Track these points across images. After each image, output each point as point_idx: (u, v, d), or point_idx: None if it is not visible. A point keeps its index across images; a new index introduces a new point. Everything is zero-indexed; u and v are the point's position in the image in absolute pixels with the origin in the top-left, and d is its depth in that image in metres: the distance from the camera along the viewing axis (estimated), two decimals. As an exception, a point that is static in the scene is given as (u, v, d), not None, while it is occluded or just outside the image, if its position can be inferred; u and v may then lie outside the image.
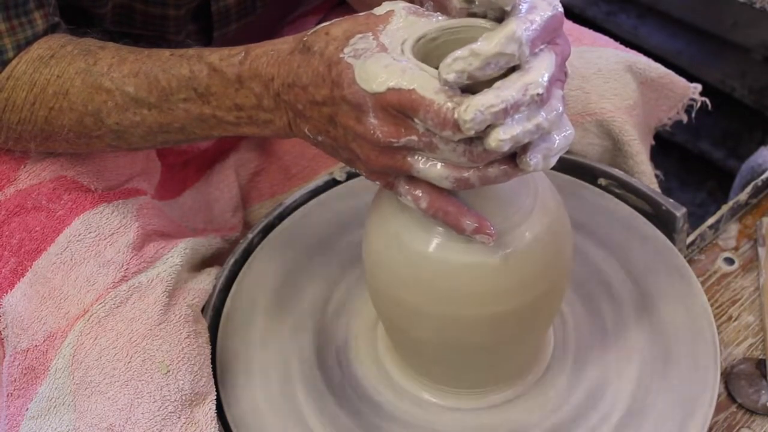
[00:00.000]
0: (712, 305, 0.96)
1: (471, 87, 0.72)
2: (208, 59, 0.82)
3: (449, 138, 0.71)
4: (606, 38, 1.17)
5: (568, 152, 1.06)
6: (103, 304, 0.89)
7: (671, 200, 1.02)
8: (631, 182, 1.04)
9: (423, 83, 0.71)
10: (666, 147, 1.90)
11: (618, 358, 0.92)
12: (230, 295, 0.97)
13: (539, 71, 0.70)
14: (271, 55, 0.79)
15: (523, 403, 0.90)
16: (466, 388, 0.90)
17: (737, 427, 0.91)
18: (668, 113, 1.16)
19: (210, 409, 0.87)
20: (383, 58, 0.73)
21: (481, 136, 0.71)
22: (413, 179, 0.76)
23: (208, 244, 1.00)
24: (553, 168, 1.04)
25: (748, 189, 1.09)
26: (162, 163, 1.07)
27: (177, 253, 0.93)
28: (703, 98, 1.15)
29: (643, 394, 0.89)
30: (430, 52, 0.76)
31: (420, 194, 0.76)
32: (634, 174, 1.08)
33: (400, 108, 0.72)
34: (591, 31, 1.18)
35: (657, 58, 1.17)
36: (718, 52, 1.91)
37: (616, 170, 1.05)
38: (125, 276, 0.91)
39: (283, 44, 0.79)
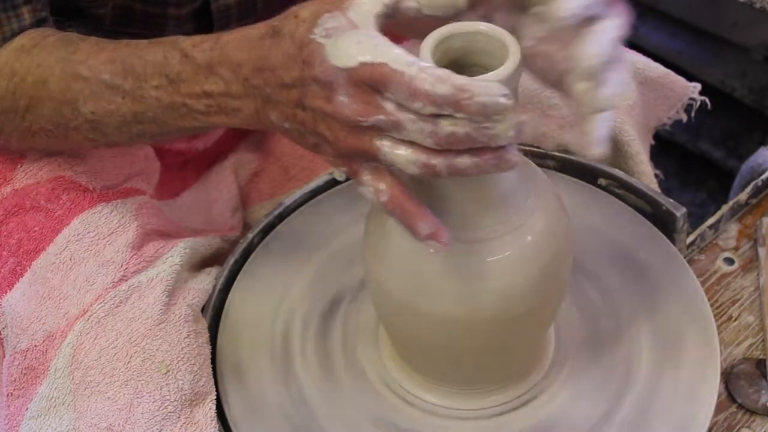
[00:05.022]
0: (712, 305, 0.96)
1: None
2: (180, 45, 0.82)
3: (419, 111, 0.71)
4: (605, 38, 1.16)
5: (568, 152, 1.07)
6: (102, 304, 0.89)
7: (671, 200, 1.02)
8: (631, 182, 1.04)
9: (395, 57, 0.71)
10: (666, 147, 1.90)
11: (618, 358, 0.92)
12: (230, 295, 0.97)
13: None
14: (241, 41, 0.79)
15: (524, 403, 0.90)
16: (467, 389, 0.90)
17: (737, 427, 0.91)
18: (668, 113, 1.16)
19: (210, 409, 0.87)
20: (355, 35, 0.73)
21: (445, 114, 0.71)
22: (378, 171, 0.75)
23: (208, 244, 1.00)
24: (553, 168, 1.06)
25: (748, 189, 1.09)
26: (161, 164, 1.07)
27: (177, 252, 0.93)
28: (703, 98, 1.15)
29: (644, 394, 0.89)
30: (448, 50, 0.77)
31: (383, 187, 0.75)
32: (633, 174, 1.08)
33: (371, 82, 0.72)
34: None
35: (657, 58, 1.17)
36: (718, 52, 1.91)
37: (616, 170, 1.05)
38: (125, 276, 0.91)
39: (253, 30, 0.79)
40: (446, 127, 0.71)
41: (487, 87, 0.70)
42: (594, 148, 0.77)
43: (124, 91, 0.85)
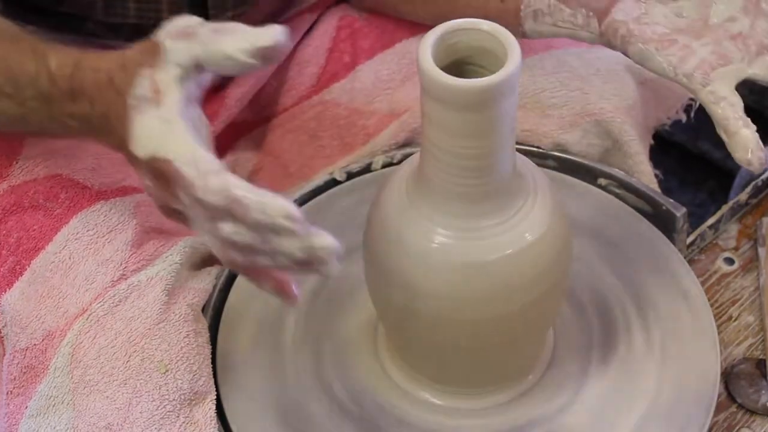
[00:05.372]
0: (712, 305, 0.96)
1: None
2: (48, 63, 0.80)
3: (204, 214, 0.71)
4: (605, 39, 1.16)
5: (568, 152, 1.07)
6: (102, 303, 0.89)
7: (671, 200, 1.02)
8: (631, 182, 1.04)
9: (179, 154, 0.71)
10: (666, 147, 1.89)
11: (618, 358, 0.92)
12: (230, 294, 0.97)
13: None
14: (94, 78, 0.77)
15: (523, 403, 0.90)
16: (465, 388, 0.90)
17: (737, 427, 0.91)
18: (667, 113, 1.16)
19: (210, 408, 0.87)
20: (150, 121, 0.72)
21: (229, 216, 0.70)
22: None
23: (209, 242, 0.99)
24: (553, 168, 1.06)
25: (748, 189, 1.09)
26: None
27: (177, 251, 0.93)
28: None
29: (643, 394, 0.89)
30: (448, 48, 0.77)
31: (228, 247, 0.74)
32: (633, 174, 1.08)
33: (162, 176, 0.72)
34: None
35: (657, 58, 1.16)
36: (718, 51, 1.90)
37: (616, 170, 1.05)
38: (124, 274, 0.91)
39: (104, 64, 0.77)
40: (227, 231, 0.70)
41: (264, 205, 0.69)
42: (758, 164, 0.81)
43: (6, 94, 0.83)
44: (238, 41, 0.71)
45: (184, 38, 0.73)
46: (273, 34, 0.71)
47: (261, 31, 0.71)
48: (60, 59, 0.80)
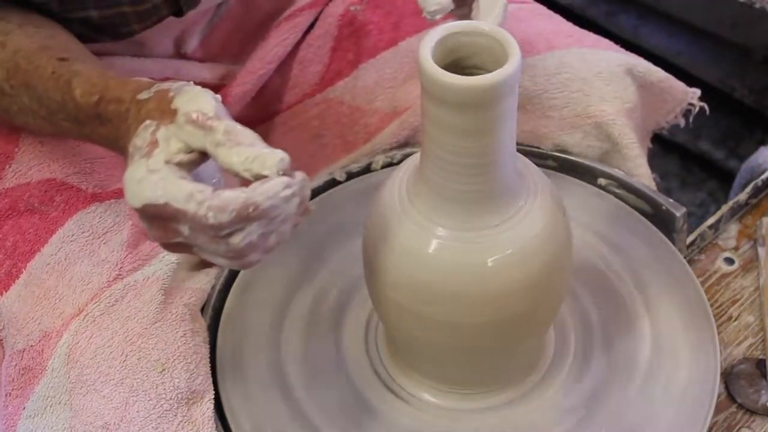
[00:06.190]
0: (712, 305, 0.96)
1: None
2: (73, 92, 0.83)
3: (212, 238, 0.73)
4: (606, 41, 1.16)
5: (568, 153, 1.07)
6: (98, 303, 0.89)
7: (671, 200, 1.02)
8: (631, 182, 1.04)
9: (174, 194, 0.73)
10: (666, 147, 1.90)
11: (618, 358, 0.92)
12: (230, 295, 0.97)
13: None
14: (117, 109, 0.81)
15: (524, 404, 0.90)
16: (466, 389, 0.90)
17: (737, 427, 0.91)
18: (666, 117, 1.16)
19: (207, 408, 0.86)
20: (137, 172, 0.75)
21: (242, 223, 0.73)
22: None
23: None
24: (553, 168, 1.06)
25: (748, 189, 1.09)
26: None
27: (173, 251, 0.93)
28: (702, 103, 1.15)
29: (643, 394, 0.89)
30: (448, 50, 0.77)
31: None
32: (632, 176, 1.08)
33: (160, 218, 0.74)
34: (592, 34, 1.17)
35: (657, 59, 1.17)
36: (718, 52, 1.91)
37: (616, 170, 1.05)
38: (120, 274, 0.91)
39: (128, 95, 0.80)
40: (239, 242, 0.73)
41: (268, 190, 0.72)
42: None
43: (41, 116, 0.88)
44: (243, 161, 0.73)
45: (198, 127, 0.75)
46: (276, 162, 0.73)
47: (269, 156, 0.73)
48: (84, 88, 0.83)
